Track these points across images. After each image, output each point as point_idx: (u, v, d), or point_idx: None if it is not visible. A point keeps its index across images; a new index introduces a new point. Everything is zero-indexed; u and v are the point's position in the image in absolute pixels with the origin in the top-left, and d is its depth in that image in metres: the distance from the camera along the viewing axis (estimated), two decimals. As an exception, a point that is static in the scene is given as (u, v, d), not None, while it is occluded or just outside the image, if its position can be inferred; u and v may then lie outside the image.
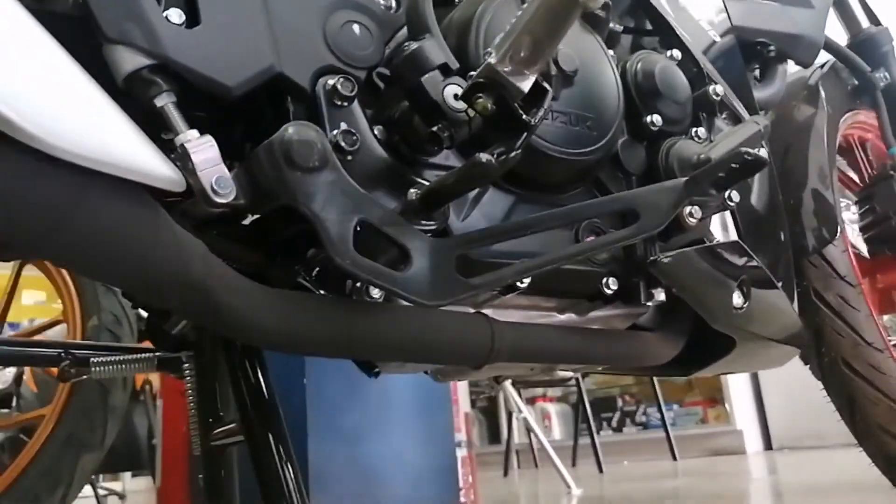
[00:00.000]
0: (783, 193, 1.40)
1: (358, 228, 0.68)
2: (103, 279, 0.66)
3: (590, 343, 0.94)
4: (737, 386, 5.11)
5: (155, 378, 3.57)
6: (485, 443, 6.22)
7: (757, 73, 1.27)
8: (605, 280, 0.89)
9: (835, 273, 1.34)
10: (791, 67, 1.42)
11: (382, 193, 0.73)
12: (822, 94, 1.48)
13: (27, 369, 3.13)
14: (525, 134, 0.69)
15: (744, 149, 0.75)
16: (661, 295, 0.94)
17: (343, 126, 0.71)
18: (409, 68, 0.73)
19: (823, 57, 1.51)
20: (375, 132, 0.76)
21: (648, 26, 1.09)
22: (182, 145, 0.64)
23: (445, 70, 0.74)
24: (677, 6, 1.08)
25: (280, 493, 0.80)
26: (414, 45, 0.73)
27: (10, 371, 3.20)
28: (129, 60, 0.64)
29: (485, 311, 0.86)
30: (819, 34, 1.28)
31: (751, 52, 1.22)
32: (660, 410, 4.77)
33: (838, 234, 1.34)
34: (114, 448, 1.64)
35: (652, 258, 0.89)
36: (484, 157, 0.67)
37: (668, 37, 1.06)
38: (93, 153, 0.54)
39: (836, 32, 1.57)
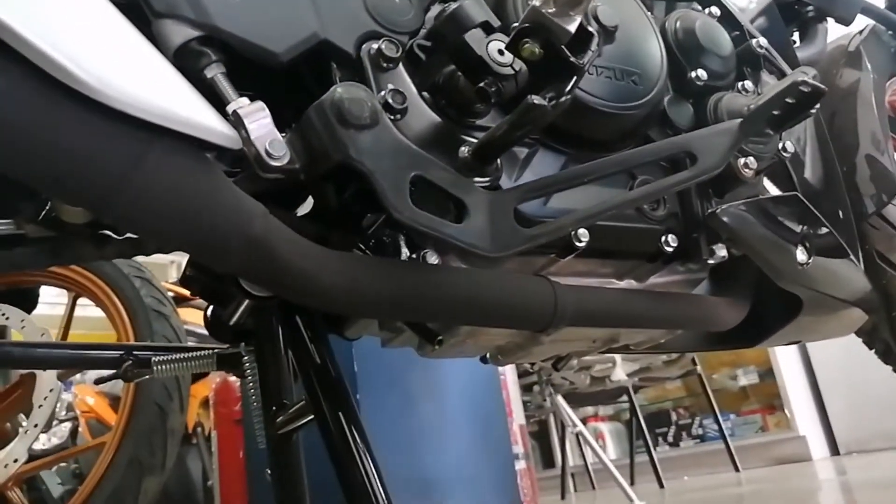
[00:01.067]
0: (837, 156, 1.36)
1: (413, 185, 0.68)
2: (166, 240, 0.66)
3: (653, 305, 0.91)
4: (795, 390, 4.95)
5: (206, 419, 3.58)
6: (538, 467, 6.11)
7: (797, 35, 1.25)
8: (664, 238, 0.87)
9: (897, 233, 1.29)
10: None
11: (434, 152, 0.73)
12: (865, 58, 1.45)
13: (82, 422, 3.17)
14: (575, 77, 0.68)
15: (799, 79, 0.73)
16: (721, 251, 0.91)
17: (390, 87, 0.71)
18: (452, 28, 0.73)
19: (863, 22, 1.48)
20: (423, 97, 0.76)
21: (683, -8, 1.09)
22: (235, 111, 0.64)
23: (487, 27, 0.74)
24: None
25: (354, 471, 0.78)
26: (454, 5, 0.73)
27: (66, 426, 3.25)
28: (178, 33, 0.65)
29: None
30: (855, -10, 1.26)
31: (789, 13, 1.21)
32: (716, 421, 4.63)
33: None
34: (168, 492, 1.65)
35: (710, 211, 0.87)
36: (536, 98, 0.66)
37: (706, 3, 1.05)
38: (153, 108, 0.54)
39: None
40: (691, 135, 0.81)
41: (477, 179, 0.73)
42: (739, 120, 0.77)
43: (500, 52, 0.73)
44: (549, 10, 0.65)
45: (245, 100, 0.66)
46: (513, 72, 0.73)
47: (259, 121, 0.65)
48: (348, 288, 0.66)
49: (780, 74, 1.05)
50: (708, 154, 0.75)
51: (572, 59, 0.67)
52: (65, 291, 1.77)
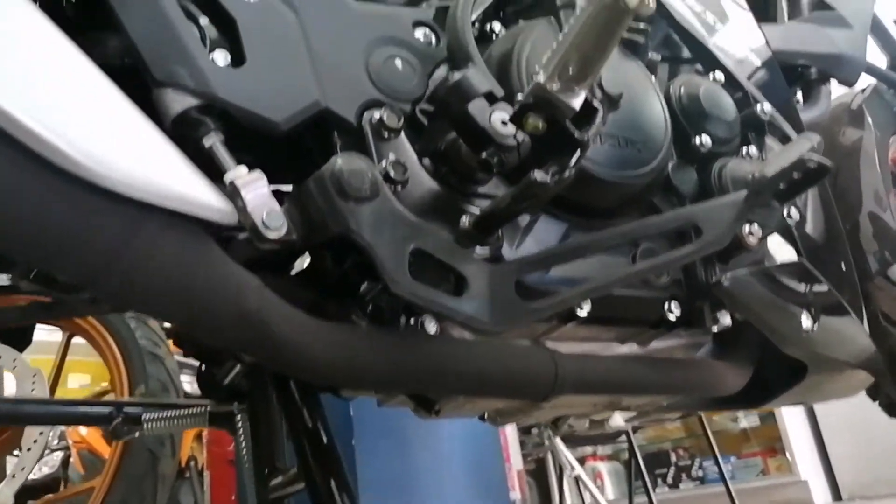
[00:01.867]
0: (840, 215, 1.36)
1: (412, 256, 0.67)
2: (158, 315, 0.65)
3: (655, 372, 0.89)
4: (796, 433, 4.88)
5: (200, 454, 3.53)
6: (536, 507, 6.01)
7: (800, 95, 1.25)
8: (667, 305, 0.86)
9: (902, 294, 1.28)
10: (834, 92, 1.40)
11: (434, 222, 0.72)
12: (868, 116, 1.45)
13: (74, 453, 3.12)
14: (578, 152, 0.68)
15: (806, 156, 0.72)
16: (726, 318, 0.90)
17: (392, 157, 0.71)
18: (455, 97, 0.72)
19: (866, 81, 1.48)
20: (424, 165, 0.76)
21: (686, 55, 1.09)
22: (232, 182, 0.64)
23: (491, 97, 0.73)
24: (713, 32, 1.07)
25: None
26: (458, 75, 0.72)
27: (58, 455, 3.20)
28: (177, 101, 0.64)
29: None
30: (860, 52, 1.26)
31: (793, 75, 1.21)
32: (717, 463, 4.55)
33: (902, 260, 1.28)
34: (160, 529, 1.61)
35: (715, 279, 0.86)
36: (539, 174, 0.65)
37: (708, 61, 1.05)
38: (146, 185, 0.53)
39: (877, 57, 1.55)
40: (696, 207, 0.80)
41: (478, 250, 0.72)
42: (744, 193, 0.76)
43: (504, 123, 0.72)
44: (554, 87, 0.65)
45: (243, 169, 0.65)
46: (516, 143, 0.72)
47: (256, 191, 0.64)
48: (345, 363, 0.65)
49: (785, 139, 1.04)
50: (713, 228, 0.74)
51: (576, 134, 0.67)
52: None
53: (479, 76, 0.73)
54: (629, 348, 0.93)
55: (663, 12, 1.04)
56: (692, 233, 0.77)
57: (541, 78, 0.65)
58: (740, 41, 1.10)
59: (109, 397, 1.68)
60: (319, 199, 0.65)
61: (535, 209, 0.76)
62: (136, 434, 1.01)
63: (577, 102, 0.66)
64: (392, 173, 0.69)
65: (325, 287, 0.77)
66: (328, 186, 0.65)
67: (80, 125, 0.51)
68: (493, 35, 0.91)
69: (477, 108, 0.72)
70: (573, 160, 0.67)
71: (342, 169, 0.65)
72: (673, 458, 5.59)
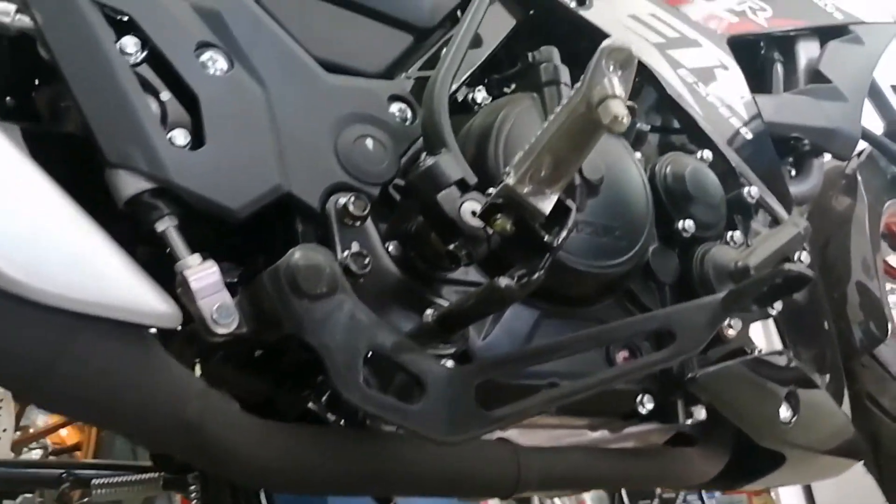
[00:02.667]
0: (826, 289, 1.33)
1: (368, 357, 0.63)
2: (93, 424, 0.62)
3: (625, 465, 0.86)
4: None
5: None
6: (517, 531, 5.96)
7: (791, 167, 1.22)
8: (639, 398, 0.83)
9: (889, 374, 1.25)
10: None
11: (396, 315, 0.69)
12: (861, 183, 1.42)
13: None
14: (548, 255, 0.64)
15: (787, 266, 0.69)
16: (700, 413, 0.87)
17: (354, 247, 0.68)
18: (425, 185, 0.69)
19: (860, 145, 1.46)
20: (390, 248, 0.73)
21: (676, 124, 1.06)
22: (182, 273, 0.61)
23: (463, 185, 0.70)
24: (706, 103, 1.04)
25: None
26: (429, 161, 0.69)
27: (36, 453, 3.14)
28: (130, 184, 0.61)
29: (510, 430, 0.80)
30: (855, 127, 1.23)
31: (785, 147, 1.18)
32: (700, 498, 4.52)
33: (889, 331, 1.25)
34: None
35: (690, 375, 0.83)
36: (503, 281, 0.62)
37: (696, 136, 1.02)
38: (78, 295, 0.50)
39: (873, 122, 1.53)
40: (671, 311, 0.77)
41: (441, 345, 0.69)
42: (721, 296, 0.73)
43: (474, 214, 0.69)
44: (524, 189, 0.62)
45: (195, 258, 0.62)
46: (485, 235, 0.69)
47: (207, 283, 0.61)
48: (295, 470, 0.62)
49: (773, 219, 1.01)
50: (689, 333, 0.71)
51: (546, 238, 0.64)
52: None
53: (451, 163, 0.70)
54: (601, 434, 0.90)
55: (654, 84, 1.02)
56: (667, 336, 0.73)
57: (511, 179, 0.62)
58: (733, 112, 1.07)
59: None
60: (273, 296, 0.62)
61: (501, 310, 0.73)
62: (86, 500, 0.97)
63: (547, 206, 0.63)
64: (353, 266, 0.65)
65: (281, 372, 0.74)
66: (282, 283, 0.61)
67: (9, 238, 0.48)
68: (475, 105, 0.88)
69: (447, 198, 0.69)
70: (541, 264, 0.64)
71: (298, 264, 0.62)
72: (658, 489, 5.55)
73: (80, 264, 0.51)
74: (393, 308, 0.69)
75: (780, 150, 1.16)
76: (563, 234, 0.65)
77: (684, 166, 0.92)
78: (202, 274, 0.61)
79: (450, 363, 0.69)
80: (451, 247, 0.70)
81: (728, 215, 0.95)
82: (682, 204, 0.90)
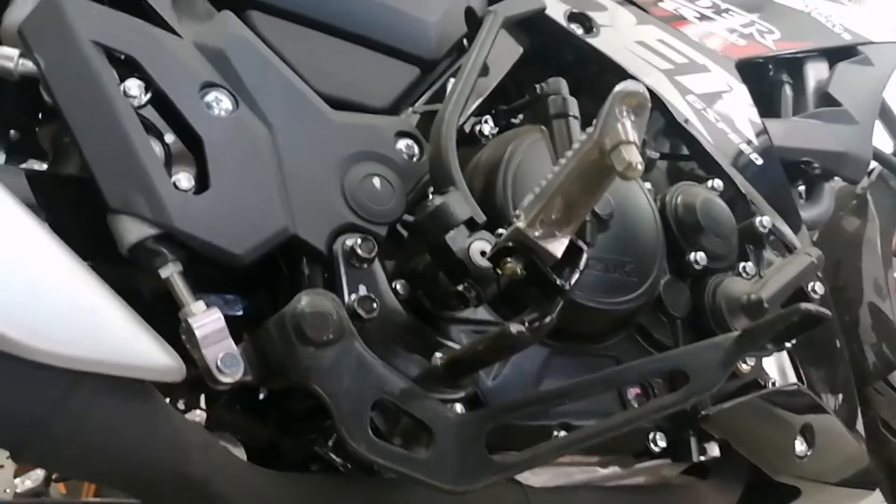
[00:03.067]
0: (838, 311, 1.31)
1: (375, 405, 0.62)
2: (92, 481, 0.61)
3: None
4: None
5: None
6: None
7: (802, 190, 1.20)
8: (652, 436, 0.81)
9: (903, 400, 1.23)
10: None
11: (404, 358, 0.68)
12: (872, 203, 1.41)
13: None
14: (559, 299, 0.63)
15: (804, 306, 0.68)
16: (714, 450, 0.85)
17: (362, 290, 0.66)
18: (433, 225, 0.68)
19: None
20: (398, 288, 0.71)
21: (685, 150, 1.05)
22: (186, 321, 0.60)
23: (472, 224, 0.69)
24: (715, 129, 1.03)
25: None
26: (438, 201, 0.68)
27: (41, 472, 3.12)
28: (133, 230, 0.60)
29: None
30: (866, 150, 1.22)
31: (795, 171, 1.16)
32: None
33: (904, 358, 1.23)
34: None
35: (703, 412, 0.81)
36: (515, 328, 0.60)
37: (706, 163, 1.01)
38: (75, 352, 0.49)
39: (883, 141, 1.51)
40: (685, 352, 0.76)
41: (450, 390, 0.68)
42: (735, 335, 0.72)
43: (483, 254, 0.68)
44: (535, 234, 0.60)
45: (200, 305, 0.61)
46: (495, 276, 0.68)
47: (211, 332, 0.60)
48: None
49: (785, 249, 1.00)
50: (702, 374, 0.70)
51: (558, 281, 0.62)
52: None
53: (459, 202, 0.69)
54: (612, 470, 0.88)
55: (662, 110, 1.01)
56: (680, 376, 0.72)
57: (521, 223, 0.61)
58: (742, 138, 1.06)
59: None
60: (278, 344, 0.61)
61: (511, 356, 0.71)
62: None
63: (559, 249, 0.61)
64: (360, 312, 0.64)
65: (287, 417, 0.73)
66: (288, 331, 0.60)
67: (3, 297, 0.47)
68: (482, 137, 0.87)
69: (455, 238, 0.68)
70: (553, 308, 0.63)
71: (304, 311, 0.61)
72: None
73: (77, 320, 0.50)
74: (400, 351, 0.67)
75: (790, 174, 1.14)
76: (576, 275, 0.63)
77: (695, 197, 0.90)
78: (206, 321, 0.60)
79: (459, 407, 0.68)
80: (460, 288, 0.68)
81: (740, 245, 0.93)
82: (693, 236, 0.88)
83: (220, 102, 0.68)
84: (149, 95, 0.65)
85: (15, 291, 0.48)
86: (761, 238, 0.94)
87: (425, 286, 0.72)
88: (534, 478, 0.79)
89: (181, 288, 0.61)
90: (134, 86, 0.64)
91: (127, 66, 0.64)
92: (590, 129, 0.56)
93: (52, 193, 0.67)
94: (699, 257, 0.87)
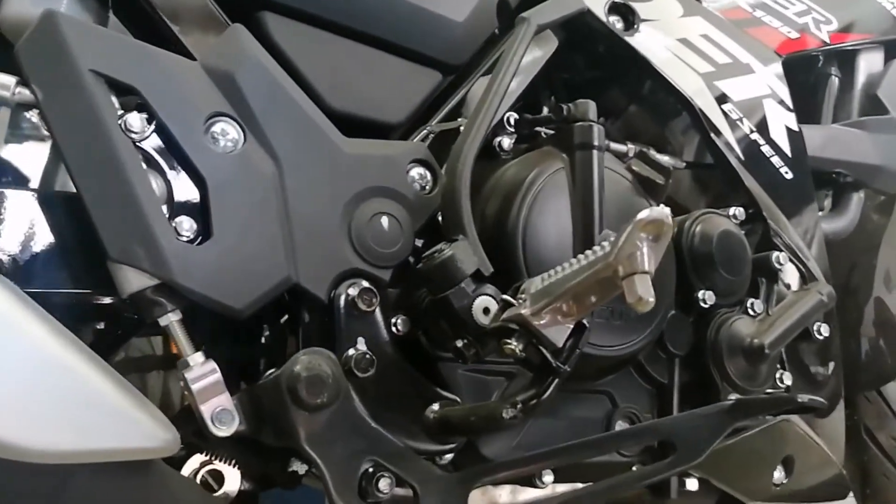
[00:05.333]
0: (845, 311, 1.30)
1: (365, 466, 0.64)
2: None
3: None
4: None
5: None
6: None
7: (829, 198, 1.16)
8: (633, 468, 0.83)
9: (891, 412, 1.25)
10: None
11: (398, 412, 0.68)
12: (898, 204, 1.36)
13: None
14: (555, 379, 0.63)
15: (800, 398, 0.67)
16: (693, 484, 0.88)
17: (360, 343, 0.66)
18: (438, 278, 0.66)
19: None
20: (398, 324, 0.71)
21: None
22: (183, 375, 0.60)
23: (478, 276, 0.68)
24: (748, 142, 0.97)
25: None
26: (445, 253, 0.66)
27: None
28: (132, 281, 0.60)
29: (501, 488, 0.82)
30: (905, 160, 1.16)
31: (825, 178, 1.12)
32: None
33: (900, 369, 1.24)
34: None
35: (688, 457, 0.83)
36: (508, 413, 0.61)
37: (732, 179, 0.97)
38: (67, 446, 0.50)
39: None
40: (675, 422, 0.76)
41: (442, 445, 0.69)
42: (730, 405, 0.72)
43: (486, 311, 0.67)
44: (539, 322, 0.59)
45: (198, 357, 0.62)
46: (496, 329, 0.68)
47: (207, 385, 0.61)
48: None
49: (801, 276, 0.98)
50: (689, 446, 0.70)
51: (555, 364, 0.62)
52: None
53: (467, 254, 0.67)
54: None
55: (695, 122, 0.96)
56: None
57: (526, 310, 0.59)
58: (776, 150, 1.01)
59: None
60: (273, 405, 0.61)
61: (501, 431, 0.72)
62: None
63: (561, 338, 0.60)
64: (356, 370, 0.64)
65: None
66: (283, 394, 0.61)
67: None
68: (501, 151, 0.83)
69: (459, 294, 0.66)
70: (549, 389, 0.63)
71: (300, 375, 0.61)
72: None
73: (69, 414, 0.50)
74: (394, 404, 0.68)
75: (819, 181, 1.10)
76: (575, 356, 0.63)
77: (714, 229, 0.87)
78: (202, 372, 0.61)
79: (448, 457, 0.70)
80: (459, 344, 0.68)
81: (753, 278, 0.91)
82: (705, 272, 0.86)
83: (227, 135, 0.64)
84: (152, 128, 0.62)
85: (2, 393, 0.48)
86: (775, 274, 0.92)
87: (425, 326, 0.72)
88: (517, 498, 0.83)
89: (180, 337, 0.62)
90: (136, 121, 0.61)
91: (129, 96, 0.61)
92: (606, 245, 0.53)
93: (60, 212, 0.65)
94: (708, 296, 0.86)
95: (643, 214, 0.51)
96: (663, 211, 0.51)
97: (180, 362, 0.61)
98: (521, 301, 0.60)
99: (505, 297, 0.65)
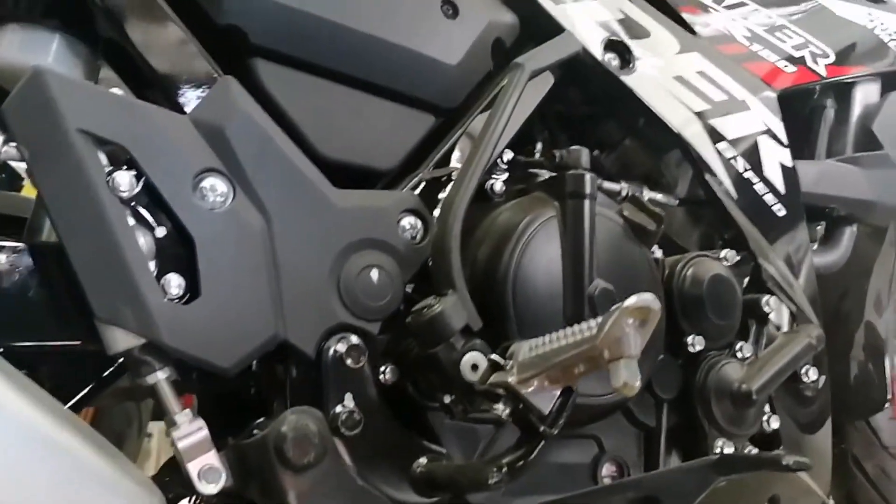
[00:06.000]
0: (836, 336, 1.30)
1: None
2: None
3: None
4: None
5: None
6: None
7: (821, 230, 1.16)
8: (619, 512, 0.84)
9: (878, 442, 1.26)
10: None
11: (384, 466, 0.69)
12: (891, 230, 1.36)
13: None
14: (541, 442, 0.63)
15: (785, 461, 0.68)
16: (678, 527, 0.88)
17: (347, 400, 0.66)
18: (427, 334, 0.66)
19: None
20: (387, 374, 0.71)
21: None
22: (170, 433, 0.60)
23: (467, 332, 0.68)
24: (741, 181, 0.97)
25: None
26: (435, 308, 0.66)
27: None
28: (120, 341, 0.60)
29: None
30: (896, 196, 1.16)
31: (817, 212, 1.12)
32: None
33: (888, 403, 1.25)
34: None
35: None
36: (493, 477, 0.61)
37: (724, 219, 0.97)
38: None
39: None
40: (658, 476, 0.76)
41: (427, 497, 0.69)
42: (716, 459, 0.72)
43: (474, 367, 0.67)
44: (526, 390, 0.60)
45: (185, 415, 0.62)
46: (483, 391, 0.68)
47: (194, 444, 0.61)
48: None
49: (791, 315, 0.98)
50: (674, 502, 0.71)
51: (542, 428, 0.62)
52: None
53: (457, 309, 0.67)
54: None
55: (690, 161, 0.96)
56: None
57: (513, 378, 0.60)
58: (769, 188, 1.01)
59: None
60: (260, 464, 0.61)
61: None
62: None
63: (548, 405, 0.61)
64: (343, 429, 0.65)
65: None
66: (270, 454, 0.61)
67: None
68: (493, 194, 0.83)
69: (446, 351, 0.66)
70: (533, 451, 0.63)
71: (287, 435, 0.61)
72: None
73: (51, 491, 0.50)
74: (382, 457, 0.68)
75: (812, 213, 1.10)
76: (562, 421, 0.63)
77: (706, 273, 0.87)
78: (189, 430, 0.61)
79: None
80: (447, 400, 0.69)
81: (743, 320, 0.91)
82: (695, 318, 0.86)
83: (216, 189, 0.64)
84: (140, 185, 0.61)
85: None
86: (764, 318, 0.92)
87: (413, 377, 0.72)
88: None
89: (168, 396, 0.62)
90: (124, 181, 0.60)
91: (118, 157, 0.61)
92: (592, 327, 0.53)
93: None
94: (697, 341, 0.86)
95: (631, 301, 0.51)
96: (650, 297, 0.51)
97: (167, 420, 0.61)
98: (508, 367, 0.61)
99: (493, 357, 0.65)
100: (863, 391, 1.26)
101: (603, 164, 1.03)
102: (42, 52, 0.67)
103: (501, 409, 0.62)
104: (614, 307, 0.52)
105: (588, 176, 0.78)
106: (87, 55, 0.70)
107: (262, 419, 0.71)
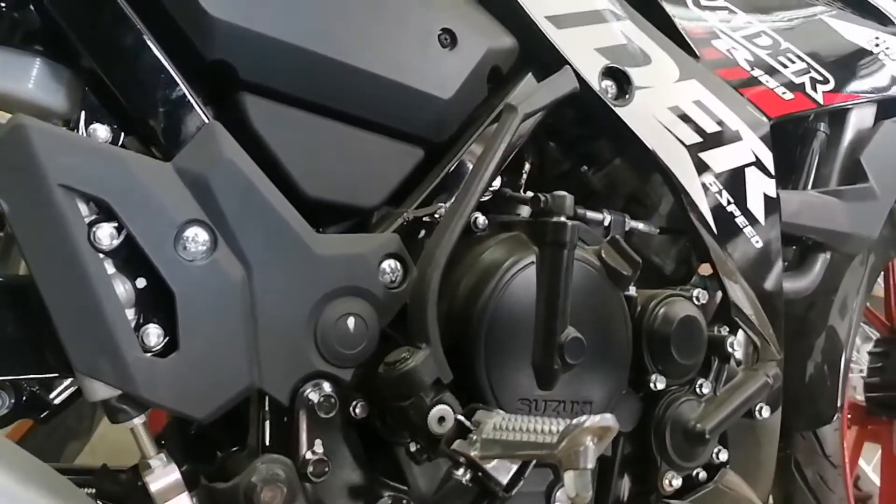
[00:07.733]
0: (795, 345, 1.35)
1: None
2: None
3: None
4: None
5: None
6: None
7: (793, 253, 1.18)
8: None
9: (821, 450, 1.33)
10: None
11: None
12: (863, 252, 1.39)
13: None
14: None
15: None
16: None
17: (317, 447, 0.69)
18: (397, 387, 0.69)
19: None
20: (357, 410, 0.74)
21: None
22: (142, 476, 0.63)
23: (438, 385, 0.70)
24: (723, 214, 0.97)
25: None
26: (409, 363, 0.68)
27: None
28: (98, 391, 0.62)
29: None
30: (874, 229, 1.17)
31: (791, 238, 1.13)
32: None
33: (835, 417, 1.31)
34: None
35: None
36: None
37: (700, 250, 0.98)
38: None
39: None
40: None
41: (386, 530, 0.74)
42: (664, 511, 0.77)
43: (441, 420, 0.70)
44: (487, 464, 0.63)
45: (159, 459, 0.64)
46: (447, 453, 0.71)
47: (166, 487, 0.64)
48: None
49: (754, 348, 1.01)
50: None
51: (500, 494, 0.65)
52: None
53: (429, 365, 0.69)
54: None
55: (675, 193, 0.96)
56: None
57: (475, 452, 0.62)
58: (749, 220, 1.02)
59: None
60: (230, 510, 0.65)
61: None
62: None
63: (506, 477, 0.64)
64: (312, 476, 0.68)
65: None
66: (240, 501, 0.64)
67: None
68: (476, 229, 0.84)
69: (416, 405, 0.69)
70: (493, 508, 0.67)
71: (257, 485, 0.64)
72: None
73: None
74: (347, 497, 0.72)
75: (787, 239, 1.12)
76: (519, 485, 0.66)
77: (676, 315, 0.89)
78: (162, 474, 0.64)
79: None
80: (413, 448, 0.72)
81: (706, 356, 0.94)
82: (660, 358, 0.89)
83: (198, 239, 0.64)
84: (122, 238, 0.61)
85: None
86: (728, 357, 0.95)
87: (383, 415, 0.75)
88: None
89: (143, 440, 0.64)
90: (105, 235, 0.60)
91: (99, 211, 0.60)
92: (554, 429, 0.56)
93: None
94: (659, 380, 0.89)
95: (593, 421, 0.53)
96: (610, 418, 0.53)
97: (142, 463, 0.64)
98: (473, 439, 0.63)
99: (460, 417, 0.67)
100: (815, 403, 1.32)
101: (590, 180, 1.03)
102: (23, 77, 0.66)
103: (461, 475, 0.65)
104: (575, 422, 0.54)
105: (570, 225, 0.78)
106: (69, 80, 0.68)
107: (235, 448, 0.74)
